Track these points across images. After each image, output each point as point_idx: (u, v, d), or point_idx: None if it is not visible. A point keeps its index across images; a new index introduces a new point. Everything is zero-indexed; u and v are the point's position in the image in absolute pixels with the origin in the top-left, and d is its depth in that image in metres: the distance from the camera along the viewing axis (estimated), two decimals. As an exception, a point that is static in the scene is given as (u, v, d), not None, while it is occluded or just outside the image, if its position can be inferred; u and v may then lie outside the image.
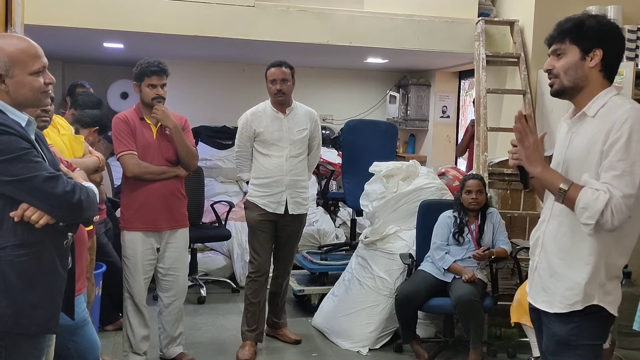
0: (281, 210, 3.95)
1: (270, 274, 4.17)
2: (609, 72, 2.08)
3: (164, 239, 3.58)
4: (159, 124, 3.53)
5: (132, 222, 3.51)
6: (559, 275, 2.09)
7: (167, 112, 3.50)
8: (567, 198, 1.97)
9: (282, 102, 3.96)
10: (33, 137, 1.92)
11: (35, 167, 1.82)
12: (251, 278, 4.01)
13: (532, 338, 3.62)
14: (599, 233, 1.99)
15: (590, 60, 2.05)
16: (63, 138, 3.23)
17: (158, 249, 3.59)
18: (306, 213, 4.16)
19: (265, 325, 4.22)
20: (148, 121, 3.54)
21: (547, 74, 2.14)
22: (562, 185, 1.98)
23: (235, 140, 4.07)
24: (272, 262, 4.18)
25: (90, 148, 3.45)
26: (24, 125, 1.89)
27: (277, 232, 4.04)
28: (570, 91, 2.10)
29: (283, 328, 4.28)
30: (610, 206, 1.90)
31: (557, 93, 2.13)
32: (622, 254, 2.08)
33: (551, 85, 2.13)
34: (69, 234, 2.01)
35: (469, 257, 3.95)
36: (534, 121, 4.37)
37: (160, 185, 3.51)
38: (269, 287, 4.19)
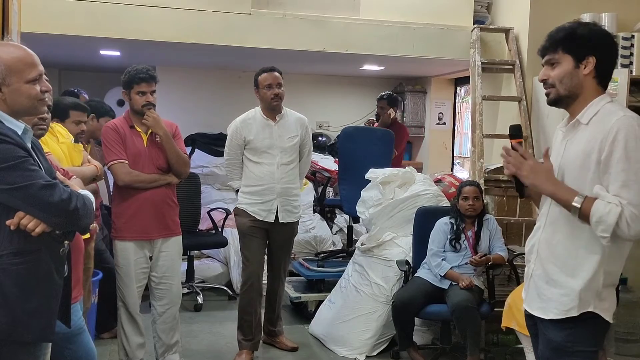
0: (271, 219, 3.92)
1: (265, 282, 4.17)
2: (602, 78, 2.10)
3: (157, 248, 3.56)
4: (150, 131, 3.51)
5: (124, 231, 3.49)
6: (554, 282, 2.10)
7: (158, 119, 3.48)
8: (581, 213, 1.98)
9: (276, 108, 3.93)
10: (29, 145, 1.92)
11: (31, 175, 1.82)
12: (246, 287, 3.98)
13: (525, 343, 3.62)
14: (601, 242, 2.00)
15: (584, 68, 2.07)
16: (62, 146, 3.23)
17: (151, 258, 3.57)
18: (297, 221, 4.13)
19: (262, 333, 4.21)
20: (138, 129, 3.51)
21: (542, 84, 2.16)
22: (575, 203, 1.97)
23: (225, 149, 4.03)
24: (266, 270, 4.18)
25: (88, 157, 3.45)
26: (20, 134, 1.89)
27: (268, 239, 4.03)
28: (566, 100, 2.12)
29: (280, 335, 4.27)
30: (625, 218, 1.90)
31: (554, 102, 2.15)
32: (620, 262, 2.09)
33: (547, 95, 2.15)
34: (65, 242, 2.01)
35: (466, 264, 3.95)
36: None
37: (151, 193, 3.49)
38: (264, 294, 4.19)
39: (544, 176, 2.06)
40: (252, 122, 3.94)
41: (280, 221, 3.93)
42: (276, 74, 3.92)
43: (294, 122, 4.04)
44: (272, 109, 3.94)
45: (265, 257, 4.13)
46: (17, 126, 1.91)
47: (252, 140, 3.90)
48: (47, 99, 2.01)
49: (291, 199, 3.99)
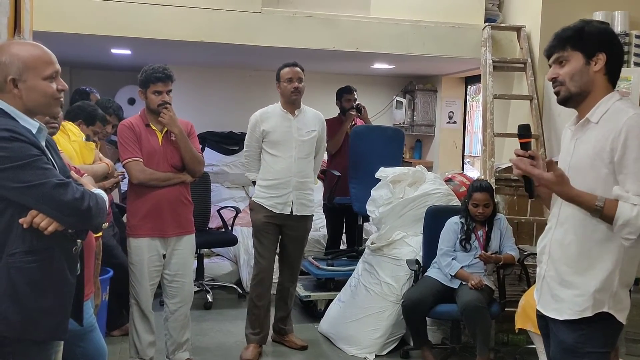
0: (287, 211, 3.96)
1: (276, 280, 4.18)
2: (612, 76, 2.09)
3: (170, 246, 3.58)
4: (165, 130, 3.53)
5: (138, 228, 3.51)
6: (567, 283, 2.09)
7: (174, 117, 3.50)
8: (604, 215, 1.97)
9: (295, 102, 4.00)
10: (44, 143, 1.93)
11: (45, 174, 1.82)
12: (255, 281, 4.03)
13: (538, 345, 3.60)
14: (616, 241, 1.99)
15: (595, 64, 2.06)
16: (73, 144, 3.26)
17: (164, 256, 3.59)
18: (312, 215, 4.17)
19: (272, 331, 4.23)
20: (153, 127, 3.54)
21: (551, 82, 2.15)
22: (597, 205, 1.97)
23: (245, 140, 4.10)
24: (278, 268, 4.20)
25: (100, 155, 3.47)
26: (34, 132, 1.90)
27: (282, 235, 4.05)
28: (577, 97, 2.10)
29: (289, 334, 4.27)
30: None
31: (564, 100, 2.13)
32: (636, 262, 2.08)
33: (557, 93, 2.13)
34: (78, 240, 2.02)
35: (476, 263, 3.93)
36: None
37: (166, 191, 3.51)
38: (274, 292, 4.20)
39: (567, 184, 2.03)
40: (271, 114, 4.00)
41: (294, 213, 3.97)
42: (297, 68, 3.99)
43: (312, 117, 4.11)
44: (292, 103, 4.00)
45: (277, 254, 4.16)
46: (32, 125, 1.92)
47: (270, 132, 3.95)
48: (62, 99, 2.02)
49: (306, 193, 4.04)
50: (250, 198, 4.18)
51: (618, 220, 1.93)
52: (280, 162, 3.95)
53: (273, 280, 4.15)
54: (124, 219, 4.15)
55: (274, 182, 3.96)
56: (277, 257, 4.18)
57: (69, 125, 3.37)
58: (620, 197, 1.95)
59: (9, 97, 1.90)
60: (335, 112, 5.67)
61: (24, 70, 1.90)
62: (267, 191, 3.98)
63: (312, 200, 4.11)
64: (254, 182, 4.13)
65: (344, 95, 5.55)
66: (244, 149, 4.14)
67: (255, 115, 4.04)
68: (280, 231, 4.04)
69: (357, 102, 5.55)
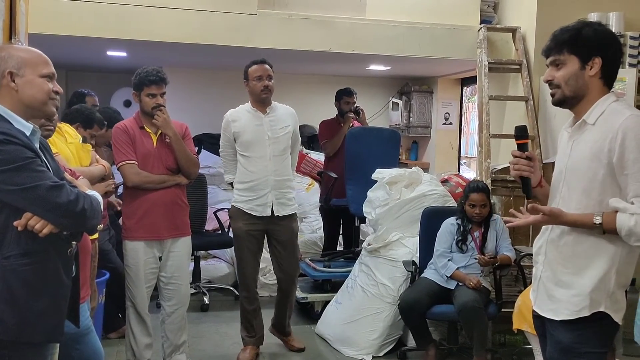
0: (268, 213, 3.86)
1: (273, 282, 4.17)
2: (608, 79, 2.10)
3: (166, 248, 3.57)
4: (159, 132, 3.52)
5: (134, 231, 3.50)
6: (563, 283, 2.10)
7: (168, 119, 3.49)
8: (605, 230, 2.00)
9: (265, 100, 3.90)
10: (37, 146, 1.93)
11: (39, 176, 1.82)
12: (242, 287, 4.02)
13: (534, 345, 3.61)
14: (613, 242, 2.00)
15: (590, 69, 2.06)
16: (70, 146, 3.25)
17: (160, 258, 3.58)
18: (294, 214, 4.04)
19: (271, 325, 4.21)
20: (148, 130, 3.53)
21: (547, 84, 2.16)
22: (595, 221, 1.99)
23: (220, 143, 4.03)
24: (274, 271, 4.18)
25: (97, 156, 3.47)
26: (28, 135, 1.90)
27: (270, 243, 4.01)
28: (571, 100, 2.11)
29: (288, 336, 4.25)
30: None
31: (559, 103, 2.15)
32: (632, 262, 2.09)
33: (553, 95, 2.14)
34: (73, 242, 2.01)
35: (473, 263, 3.94)
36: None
37: (161, 194, 3.50)
38: (270, 294, 4.18)
39: (556, 217, 2.08)
40: (241, 115, 3.93)
41: (275, 214, 3.88)
42: (266, 66, 3.89)
43: (285, 113, 4.01)
44: (262, 102, 3.90)
45: (272, 260, 4.13)
46: (26, 127, 1.92)
47: (241, 133, 3.87)
48: (57, 100, 2.03)
49: (285, 192, 3.93)
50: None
51: (622, 232, 1.96)
52: (255, 162, 3.86)
53: (270, 283, 4.13)
54: (120, 221, 4.14)
55: (250, 183, 3.86)
56: (273, 260, 4.15)
57: (65, 127, 3.37)
58: (617, 209, 1.97)
59: (4, 93, 1.91)
60: (331, 113, 5.68)
61: (22, 65, 1.92)
62: (245, 194, 3.89)
63: (292, 198, 3.98)
64: (231, 185, 4.06)
65: (344, 97, 5.55)
66: (220, 151, 4.05)
67: (226, 115, 3.95)
68: (264, 236, 3.97)
69: (355, 105, 5.56)
